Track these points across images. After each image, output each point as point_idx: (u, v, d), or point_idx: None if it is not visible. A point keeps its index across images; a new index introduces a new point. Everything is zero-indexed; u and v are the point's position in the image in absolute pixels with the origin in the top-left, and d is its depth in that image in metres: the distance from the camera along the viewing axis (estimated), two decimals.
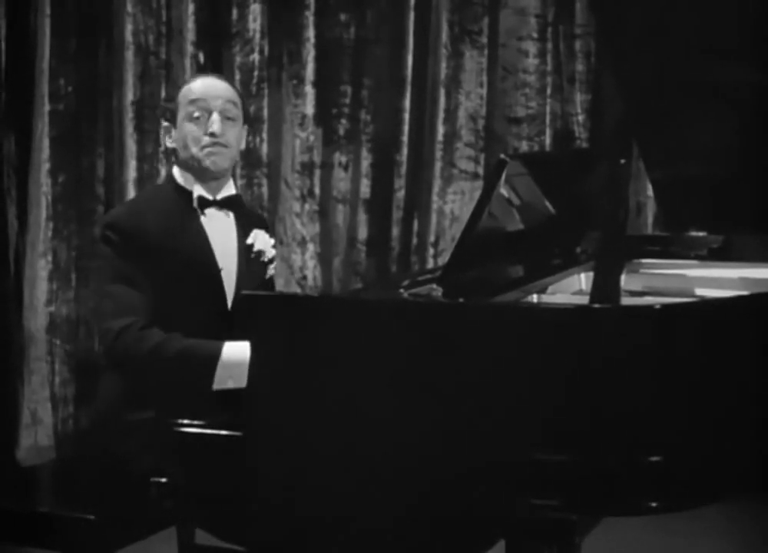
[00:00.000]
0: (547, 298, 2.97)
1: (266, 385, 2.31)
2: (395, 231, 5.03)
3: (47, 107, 4.80)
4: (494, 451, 2.16)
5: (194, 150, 2.95)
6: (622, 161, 2.80)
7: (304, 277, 5.01)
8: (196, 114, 2.95)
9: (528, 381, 2.15)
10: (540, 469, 2.13)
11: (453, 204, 5.00)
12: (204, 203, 2.98)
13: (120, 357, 2.79)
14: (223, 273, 2.96)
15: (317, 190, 5.05)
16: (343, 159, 5.07)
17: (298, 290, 4.92)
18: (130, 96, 4.88)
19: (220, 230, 3.00)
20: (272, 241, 3.12)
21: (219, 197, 3.01)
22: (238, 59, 4.99)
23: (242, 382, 2.48)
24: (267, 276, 3.11)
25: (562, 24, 4.93)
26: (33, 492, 3.05)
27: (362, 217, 5.06)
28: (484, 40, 4.98)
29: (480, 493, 2.19)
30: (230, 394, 2.65)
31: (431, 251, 4.98)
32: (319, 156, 5.05)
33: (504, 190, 2.56)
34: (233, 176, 4.96)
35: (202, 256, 2.94)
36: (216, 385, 2.66)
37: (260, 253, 3.06)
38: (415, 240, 5.04)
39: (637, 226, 4.76)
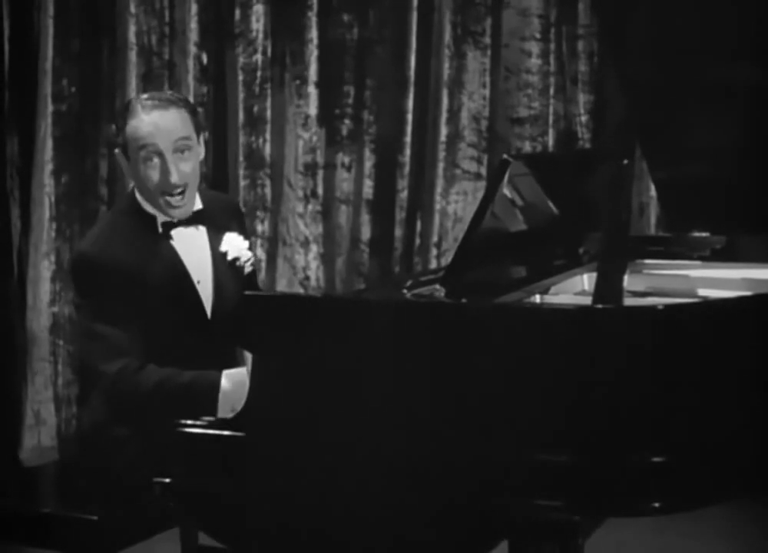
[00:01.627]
0: (549, 298, 2.97)
1: (268, 385, 2.31)
2: (398, 232, 5.02)
3: (50, 108, 4.81)
4: (498, 451, 2.16)
5: (156, 195, 2.87)
6: (625, 162, 2.80)
7: (307, 278, 5.01)
8: (149, 158, 2.83)
9: (530, 381, 2.15)
10: (543, 470, 2.13)
11: (456, 205, 4.99)
12: (169, 226, 2.92)
13: (121, 402, 2.79)
14: (199, 286, 2.94)
15: (320, 191, 5.04)
16: (346, 159, 5.07)
17: (301, 291, 4.91)
18: (133, 96, 4.88)
19: (191, 245, 2.96)
20: (246, 243, 3.05)
21: (185, 217, 2.94)
22: (241, 60, 4.98)
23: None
24: (246, 274, 3.06)
25: (565, 24, 4.92)
26: (36, 493, 3.05)
27: (365, 218, 5.06)
28: (487, 40, 4.97)
29: (483, 494, 2.19)
30: None
31: (434, 252, 4.97)
32: (322, 156, 5.05)
33: (507, 191, 2.56)
34: (236, 176, 5.00)
35: (175, 277, 2.90)
36: (221, 414, 2.63)
37: (235, 259, 3.02)
38: (417, 241, 5.04)
39: (639, 226, 4.75)
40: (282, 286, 4.98)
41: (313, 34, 4.99)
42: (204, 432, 2.38)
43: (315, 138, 5.02)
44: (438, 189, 4.97)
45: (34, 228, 4.86)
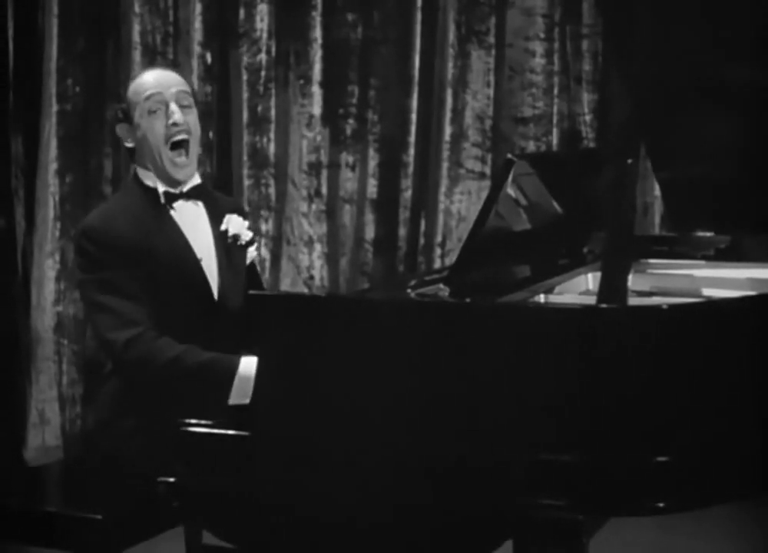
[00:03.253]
0: (554, 298, 2.97)
1: (272, 384, 2.31)
2: (402, 231, 5.02)
3: (54, 108, 4.82)
4: (502, 450, 2.16)
5: (156, 144, 2.91)
6: (629, 161, 2.80)
7: (311, 277, 5.01)
8: (153, 109, 2.90)
9: (535, 380, 2.15)
10: (547, 469, 2.13)
11: (460, 204, 4.99)
12: (171, 198, 2.96)
13: (133, 369, 2.78)
14: (203, 263, 2.94)
15: (324, 190, 5.05)
16: (350, 159, 5.07)
17: (305, 290, 4.92)
18: None
19: (192, 221, 2.98)
20: (246, 223, 3.08)
21: (185, 189, 2.98)
22: (245, 59, 4.99)
23: None
24: (249, 261, 3.09)
25: (569, 24, 4.92)
26: (40, 492, 3.05)
27: (369, 217, 5.06)
28: (492, 40, 4.97)
29: (488, 493, 2.19)
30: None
31: (438, 251, 4.97)
32: (326, 156, 5.05)
33: (511, 190, 2.56)
34: (240, 175, 5.00)
35: (179, 251, 2.92)
36: (233, 401, 2.64)
37: (236, 236, 3.03)
38: (422, 240, 5.04)
39: (644, 226, 4.75)
40: (286, 286, 4.98)
41: (317, 33, 4.99)
42: (209, 432, 2.38)
43: (319, 138, 5.03)
44: (442, 188, 4.97)
45: (39, 227, 4.86)
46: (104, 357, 3.02)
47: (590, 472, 2.12)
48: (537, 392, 2.14)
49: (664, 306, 2.23)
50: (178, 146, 2.93)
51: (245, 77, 4.95)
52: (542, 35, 4.92)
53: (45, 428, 4.89)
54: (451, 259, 4.73)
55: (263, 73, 4.99)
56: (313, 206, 5.03)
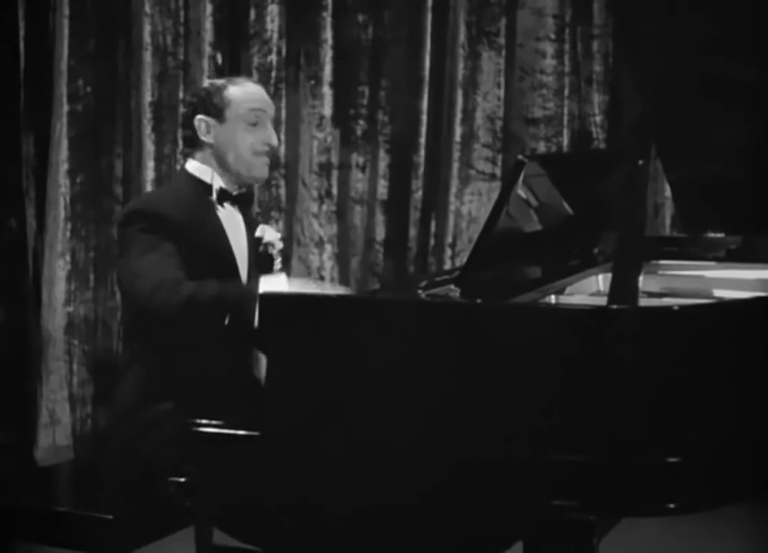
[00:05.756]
0: (564, 299, 2.97)
1: (284, 383, 2.32)
2: (413, 232, 5.03)
3: (65, 108, 4.82)
4: (513, 451, 2.16)
5: (246, 154, 2.98)
6: (640, 162, 2.79)
7: (322, 278, 5.01)
8: (253, 122, 2.99)
9: (546, 381, 2.15)
10: (558, 470, 2.13)
11: (470, 205, 5.00)
12: (223, 197, 3.00)
13: (158, 315, 2.73)
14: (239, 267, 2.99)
15: (335, 191, 5.05)
16: (361, 160, 5.08)
17: None
18: (148, 97, 4.89)
19: (232, 224, 3.02)
20: (278, 234, 3.15)
21: (236, 192, 3.03)
22: (256, 60, 4.99)
23: None
24: (275, 270, 3.12)
25: (580, 24, 4.92)
26: (51, 492, 3.05)
27: (380, 218, 5.06)
28: (502, 40, 4.98)
29: (499, 493, 2.19)
30: (249, 392, 2.63)
31: (448, 252, 4.98)
32: (336, 157, 5.06)
33: (521, 191, 2.56)
34: None
35: (221, 248, 2.96)
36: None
37: (267, 246, 3.08)
38: (432, 241, 5.04)
39: (654, 227, 4.75)
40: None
41: (328, 34, 5.00)
42: (220, 432, 2.38)
43: (329, 138, 5.03)
44: (453, 189, 4.98)
45: (50, 228, 4.87)
46: (129, 315, 3.03)
47: (601, 473, 2.11)
48: (549, 393, 2.14)
49: (675, 307, 2.23)
50: (264, 156, 3.03)
51: (255, 77, 4.95)
52: (553, 36, 4.92)
53: (56, 428, 4.89)
54: (461, 260, 4.74)
55: (273, 73, 5.00)
56: (324, 207, 5.03)
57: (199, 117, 3.00)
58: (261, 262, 3.08)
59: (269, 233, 3.11)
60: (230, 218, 3.02)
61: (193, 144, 3.02)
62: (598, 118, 4.91)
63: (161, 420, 2.79)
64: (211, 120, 2.99)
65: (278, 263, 3.13)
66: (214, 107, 2.99)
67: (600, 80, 4.92)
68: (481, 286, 2.46)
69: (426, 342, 2.21)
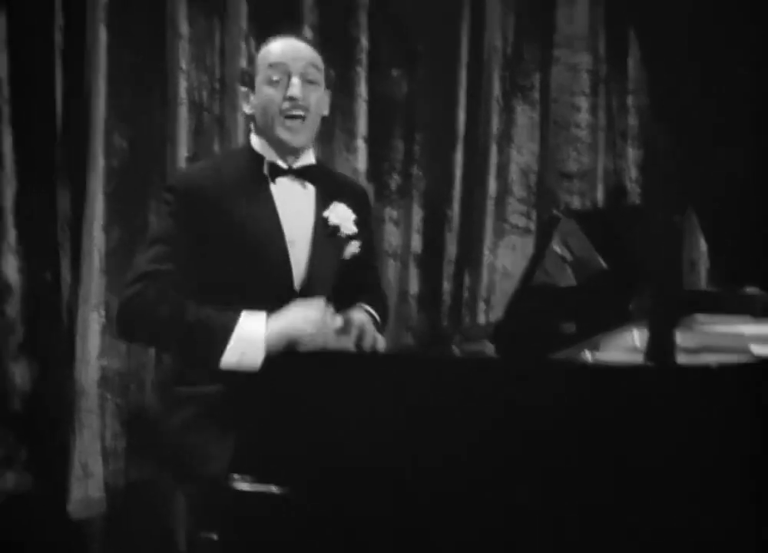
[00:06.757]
0: (600, 355, 2.95)
1: (313, 440, 2.30)
2: (446, 285, 5.02)
3: (101, 163, 4.85)
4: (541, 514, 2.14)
5: (272, 114, 2.82)
6: (676, 217, 2.78)
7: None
8: (275, 78, 2.83)
9: (581, 438, 2.13)
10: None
11: (504, 259, 4.99)
12: (276, 172, 2.84)
13: (128, 326, 2.71)
14: (293, 248, 2.81)
15: None
16: (395, 214, 5.08)
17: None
18: (183, 151, 4.92)
19: (293, 201, 2.85)
20: (353, 216, 2.93)
21: (295, 165, 2.87)
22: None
23: (255, 362, 2.39)
24: (349, 255, 2.94)
25: (614, 80, 4.93)
26: (84, 545, 3.04)
27: (413, 271, 5.06)
28: (536, 95, 4.99)
29: None
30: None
31: (482, 306, 4.96)
32: None
33: (557, 247, 2.55)
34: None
35: (267, 229, 2.78)
36: (226, 359, 2.53)
37: (336, 227, 2.89)
38: (466, 294, 5.03)
39: (690, 281, 4.72)
40: None
41: (362, 89, 5.02)
42: (253, 490, 2.36)
43: None
44: (487, 243, 4.97)
45: (84, 281, 4.88)
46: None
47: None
48: (584, 450, 2.12)
49: (714, 365, 2.21)
50: (293, 119, 2.84)
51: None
52: (587, 91, 4.93)
53: (89, 481, 4.88)
54: (495, 314, 4.72)
55: None
56: None
57: (241, 90, 2.93)
58: (329, 244, 2.86)
59: (336, 213, 2.88)
60: (290, 195, 2.85)
61: (251, 120, 2.92)
62: (633, 173, 4.91)
63: (190, 398, 2.70)
64: (247, 91, 2.90)
65: (353, 246, 2.90)
66: (249, 75, 2.90)
67: (634, 134, 4.92)
68: (516, 341, 2.45)
69: (461, 399, 2.20)
